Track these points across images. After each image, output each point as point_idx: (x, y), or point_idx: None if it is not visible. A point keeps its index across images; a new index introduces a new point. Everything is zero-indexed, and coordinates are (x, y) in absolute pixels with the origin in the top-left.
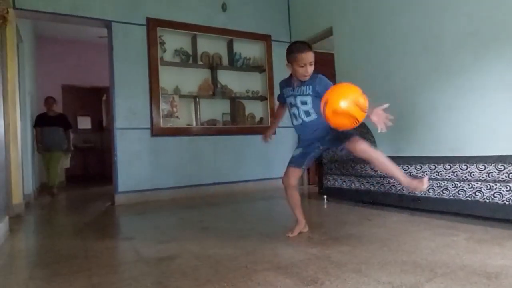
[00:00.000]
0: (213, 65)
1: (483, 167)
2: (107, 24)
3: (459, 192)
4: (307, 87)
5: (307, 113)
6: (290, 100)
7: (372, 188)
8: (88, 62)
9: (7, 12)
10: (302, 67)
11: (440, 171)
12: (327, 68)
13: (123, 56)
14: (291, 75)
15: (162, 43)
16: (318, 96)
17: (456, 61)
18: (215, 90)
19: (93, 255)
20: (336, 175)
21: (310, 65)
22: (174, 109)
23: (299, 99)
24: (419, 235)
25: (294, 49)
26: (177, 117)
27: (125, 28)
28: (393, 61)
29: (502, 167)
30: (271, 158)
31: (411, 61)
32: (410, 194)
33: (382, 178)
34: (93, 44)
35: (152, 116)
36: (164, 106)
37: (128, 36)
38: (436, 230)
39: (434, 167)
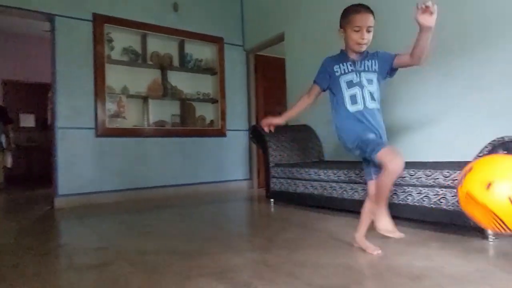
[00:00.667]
0: (163, 65)
1: (413, 173)
2: (50, 18)
3: (393, 196)
4: (373, 61)
5: (372, 96)
6: (348, 78)
7: (316, 192)
8: (33, 56)
9: None
10: (357, 31)
11: None
12: (278, 72)
13: (67, 52)
14: (342, 51)
15: (110, 41)
16: (381, 77)
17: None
18: (165, 91)
19: (21, 263)
20: (282, 179)
21: (368, 31)
22: (121, 109)
23: (364, 76)
24: (352, 237)
25: (350, 9)
26: (124, 117)
27: (69, 23)
28: None
29: (430, 173)
30: (221, 161)
31: None
32: (350, 198)
33: (325, 182)
34: (38, 38)
35: (97, 116)
36: (110, 106)
37: (73, 32)
38: (371, 232)
39: None
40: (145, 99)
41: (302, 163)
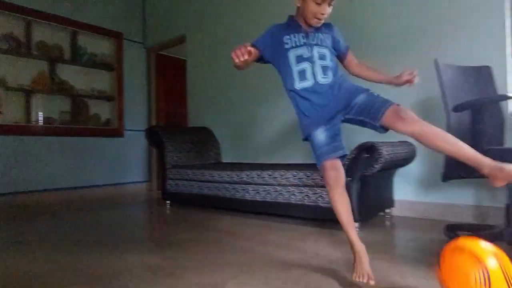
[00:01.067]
0: (51, 57)
1: (296, 173)
2: None
3: (278, 196)
4: (326, 35)
5: (325, 70)
6: (298, 52)
7: (210, 193)
8: None
9: None
10: (319, 4)
11: (264, 177)
12: (180, 73)
13: None
14: (291, 17)
15: None
16: (332, 52)
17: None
18: (53, 85)
19: None
20: (178, 180)
21: (330, 5)
22: None
23: (316, 50)
24: (242, 236)
25: None
26: (1, 112)
27: None
28: (234, 72)
29: (310, 174)
30: (118, 163)
31: (251, 74)
32: (240, 198)
33: (218, 184)
34: None
35: None
36: None
37: None
38: (259, 230)
39: (260, 173)
40: (28, 93)
41: (199, 164)
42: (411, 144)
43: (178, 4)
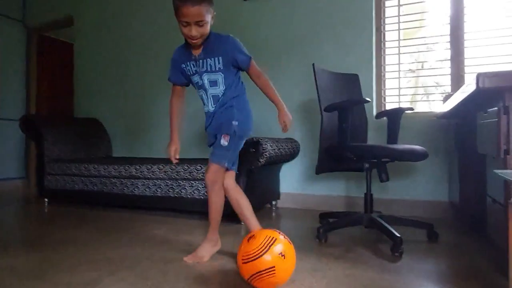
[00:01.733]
0: None
1: (187, 167)
2: None
3: (169, 190)
4: (216, 58)
5: (216, 99)
6: (194, 79)
7: (96, 188)
8: None
9: None
10: (185, 26)
11: (155, 171)
12: (66, 58)
13: None
14: (186, 41)
15: None
16: (231, 70)
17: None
18: None
19: None
20: (59, 176)
21: (199, 25)
22: None
23: (206, 78)
24: (127, 232)
25: None
26: None
27: None
28: (132, 60)
29: (200, 168)
30: None
31: (146, 62)
32: (129, 193)
33: (105, 178)
34: None
35: None
36: None
37: None
38: (146, 225)
39: (150, 167)
40: None
41: (83, 158)
42: (295, 141)
43: None
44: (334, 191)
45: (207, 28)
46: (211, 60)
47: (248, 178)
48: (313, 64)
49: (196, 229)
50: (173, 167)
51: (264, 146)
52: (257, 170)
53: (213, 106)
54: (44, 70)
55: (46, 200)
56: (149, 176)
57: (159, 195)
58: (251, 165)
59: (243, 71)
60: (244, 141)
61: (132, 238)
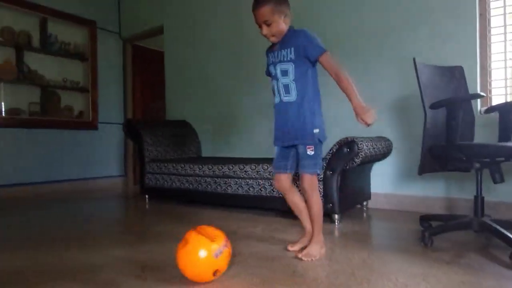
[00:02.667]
0: (18, 44)
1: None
2: None
3: (261, 189)
4: (289, 50)
5: (286, 89)
6: (271, 69)
7: (191, 187)
8: None
9: None
10: (260, 27)
11: (248, 171)
12: (158, 65)
13: None
14: None
15: None
16: (303, 61)
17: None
18: (20, 74)
19: None
20: (158, 174)
21: (267, 24)
22: None
23: (279, 68)
24: (225, 229)
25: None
26: None
27: None
28: (215, 65)
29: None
30: (90, 156)
31: (229, 67)
32: (223, 192)
33: (200, 177)
34: None
35: None
36: None
37: None
38: (241, 223)
39: (243, 167)
40: None
41: (179, 158)
42: (388, 140)
43: None
44: (432, 192)
45: (277, 26)
46: (284, 51)
47: (341, 178)
48: (414, 59)
49: (290, 228)
50: (265, 166)
51: (359, 145)
52: (350, 169)
53: (285, 94)
54: (137, 77)
55: (146, 196)
56: (242, 176)
57: (252, 194)
58: (345, 165)
59: (318, 66)
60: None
61: (231, 235)
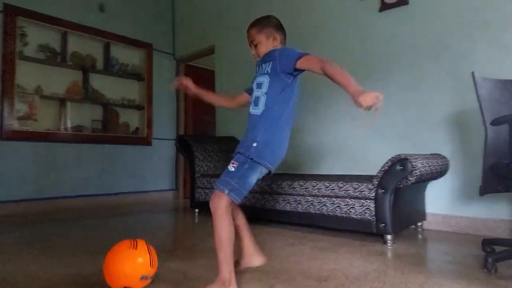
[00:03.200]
0: (85, 67)
1: (328, 184)
2: None
3: (310, 206)
4: (268, 63)
5: (256, 101)
6: (252, 85)
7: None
8: None
9: None
10: (250, 46)
11: (296, 187)
12: (208, 84)
13: None
14: None
15: (23, 35)
16: (280, 77)
17: (313, 88)
18: (85, 94)
19: None
20: (208, 189)
21: (255, 45)
22: (33, 111)
23: (255, 81)
24: (272, 245)
25: None
26: (36, 119)
27: None
28: None
29: (342, 185)
30: (145, 171)
31: None
32: (271, 208)
33: (250, 193)
34: None
35: (3, 117)
36: (20, 107)
37: None
38: (288, 240)
39: (290, 183)
40: (62, 101)
41: None
42: (444, 157)
43: (207, 15)
44: (495, 214)
45: (263, 47)
46: (264, 64)
47: (394, 197)
48: (473, 73)
49: (339, 247)
50: (314, 183)
51: (413, 163)
52: (404, 188)
53: (253, 107)
54: (189, 96)
55: (196, 211)
56: (289, 192)
57: (300, 210)
58: (398, 183)
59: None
60: (256, 173)
61: (279, 251)
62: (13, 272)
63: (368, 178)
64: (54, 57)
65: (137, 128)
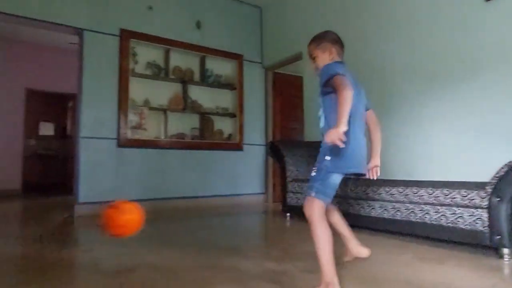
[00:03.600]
0: (184, 79)
1: (432, 191)
2: (79, 32)
3: (410, 214)
4: (319, 80)
5: (320, 118)
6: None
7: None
8: (55, 67)
9: None
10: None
11: (394, 194)
12: (295, 90)
13: (93, 65)
14: None
15: (134, 55)
16: (325, 93)
17: (400, 93)
18: (185, 104)
19: (49, 266)
20: (299, 194)
21: (312, 60)
22: (143, 121)
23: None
24: (372, 253)
25: None
26: (145, 129)
27: (97, 37)
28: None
29: (448, 192)
30: (236, 175)
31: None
32: (366, 215)
33: (341, 199)
34: (61, 49)
35: (119, 127)
36: (132, 118)
37: (100, 46)
38: (387, 248)
39: (389, 189)
40: (165, 111)
41: None
42: None
43: (293, 24)
44: None
45: (320, 61)
46: (319, 80)
47: (511, 206)
48: None
49: (447, 259)
50: (414, 190)
51: None
52: None
53: (320, 122)
54: (277, 101)
55: (288, 214)
56: (387, 199)
57: (399, 218)
58: None
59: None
60: (335, 174)
61: (378, 260)
62: (138, 262)
63: (478, 185)
64: (159, 72)
65: (230, 135)
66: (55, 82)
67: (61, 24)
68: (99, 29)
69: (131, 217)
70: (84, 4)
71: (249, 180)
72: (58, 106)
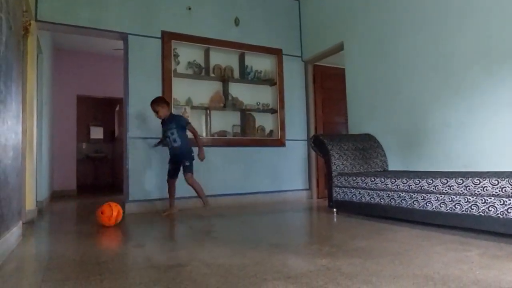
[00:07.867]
0: (224, 77)
1: (496, 182)
2: (124, 37)
3: (472, 207)
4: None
5: (175, 139)
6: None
7: (383, 202)
8: (102, 73)
9: (30, 24)
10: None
11: (452, 186)
12: (336, 83)
13: (137, 67)
14: None
15: (176, 56)
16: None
17: (466, 78)
18: (226, 102)
19: (104, 261)
20: (346, 188)
21: (156, 113)
22: None
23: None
24: (431, 250)
25: None
26: None
27: (140, 40)
28: (403, 77)
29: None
30: (279, 171)
31: (421, 78)
32: (421, 209)
33: (392, 192)
34: (107, 56)
35: None
36: None
37: (143, 49)
38: (449, 245)
39: (446, 181)
40: (207, 110)
41: (367, 172)
42: None
43: (334, 13)
44: None
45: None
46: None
47: None
48: None
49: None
50: (476, 181)
51: None
52: None
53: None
54: (318, 95)
55: (334, 210)
56: (445, 191)
57: (458, 212)
58: None
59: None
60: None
61: (441, 257)
62: (189, 257)
63: None
64: (200, 71)
65: (271, 131)
66: (102, 88)
67: (108, 30)
68: (142, 33)
69: (115, 213)
70: (128, 9)
71: (293, 176)
72: (106, 111)
